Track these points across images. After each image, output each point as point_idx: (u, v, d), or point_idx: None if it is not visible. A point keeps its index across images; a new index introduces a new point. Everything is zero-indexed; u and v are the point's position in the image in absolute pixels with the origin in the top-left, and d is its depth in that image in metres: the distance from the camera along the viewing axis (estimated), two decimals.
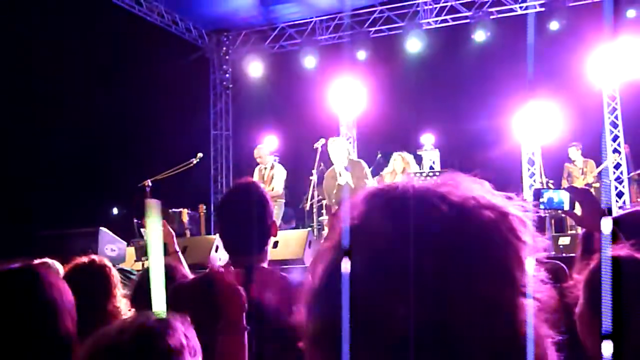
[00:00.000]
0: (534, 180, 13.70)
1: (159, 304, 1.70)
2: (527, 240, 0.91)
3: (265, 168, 10.99)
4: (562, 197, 2.49)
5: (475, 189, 0.94)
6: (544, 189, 2.55)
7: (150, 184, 10.46)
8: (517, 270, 0.89)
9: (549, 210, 4.15)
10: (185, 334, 1.59)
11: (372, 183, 9.11)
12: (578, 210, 2.63)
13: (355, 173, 8.81)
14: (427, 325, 0.84)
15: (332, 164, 9.30)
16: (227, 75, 16.80)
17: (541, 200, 2.51)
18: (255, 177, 10.97)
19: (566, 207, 2.49)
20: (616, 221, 2.55)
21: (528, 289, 0.89)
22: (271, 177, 10.84)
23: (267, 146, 11.43)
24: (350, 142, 9.21)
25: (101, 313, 3.01)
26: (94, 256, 3.36)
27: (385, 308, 0.85)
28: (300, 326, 0.95)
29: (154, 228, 1.71)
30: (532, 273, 0.91)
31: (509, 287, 0.88)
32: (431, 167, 13.49)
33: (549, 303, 0.92)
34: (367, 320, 0.86)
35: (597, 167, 12.02)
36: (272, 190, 10.51)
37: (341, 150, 9.06)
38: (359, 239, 0.90)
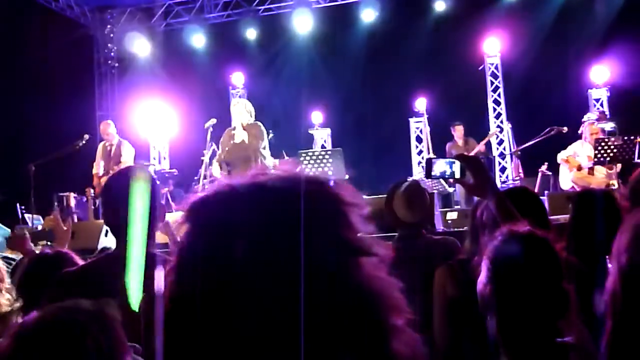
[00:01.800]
0: (422, 157, 14.04)
1: (135, 288, 1.62)
2: (350, 201, 0.96)
3: (112, 145, 10.82)
4: (454, 166, 2.54)
5: (292, 170, 0.99)
6: (435, 158, 2.60)
7: (34, 167, 10.09)
8: (348, 232, 0.93)
9: (440, 180, 4.28)
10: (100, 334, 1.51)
11: (265, 146, 9.09)
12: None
13: (252, 132, 8.84)
14: (275, 300, 0.87)
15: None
16: (112, 54, 16.32)
17: (433, 170, 2.55)
18: (99, 154, 10.82)
19: (457, 175, 2.54)
20: (507, 195, 2.63)
21: (362, 247, 0.93)
22: (119, 153, 10.69)
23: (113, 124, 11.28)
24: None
25: None
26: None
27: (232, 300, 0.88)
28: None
29: (140, 194, 1.59)
30: (365, 230, 0.95)
31: (343, 249, 0.91)
32: (322, 146, 13.60)
33: (387, 256, 0.96)
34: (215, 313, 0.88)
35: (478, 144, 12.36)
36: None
37: (243, 110, 9.03)
38: (197, 248, 0.92)
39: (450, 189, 10.81)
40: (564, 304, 1.93)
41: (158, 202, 2.85)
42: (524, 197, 2.99)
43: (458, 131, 12.23)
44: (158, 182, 2.94)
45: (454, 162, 2.54)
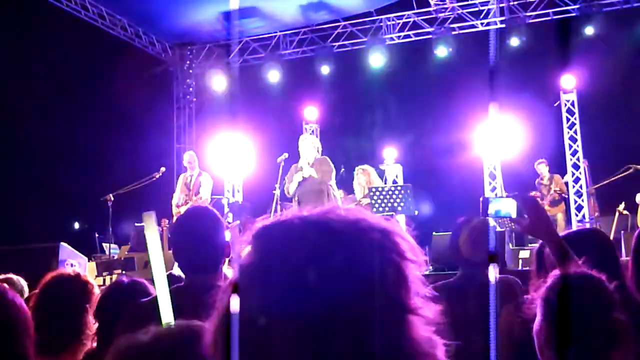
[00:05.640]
0: (495, 195, 13.86)
1: (167, 316, 1.69)
2: (411, 257, 0.96)
3: (192, 175, 10.94)
4: (510, 205, 2.54)
5: (359, 214, 0.98)
6: (491, 198, 2.60)
7: (112, 198, 10.38)
8: (402, 287, 0.93)
9: (498, 219, 4.23)
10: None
11: (334, 182, 9.22)
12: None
13: (322, 168, 8.96)
14: (319, 344, 0.87)
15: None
16: (191, 88, 16.76)
17: (489, 209, 2.56)
18: (180, 185, 10.96)
19: (513, 215, 2.54)
20: (565, 238, 2.61)
21: (412, 304, 0.93)
22: (198, 184, 10.80)
23: (196, 155, 11.40)
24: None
25: (76, 326, 3.02)
26: (78, 270, 3.39)
27: (278, 329, 0.88)
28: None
29: (152, 239, 1.72)
30: (418, 289, 0.95)
31: (394, 304, 0.92)
32: (394, 182, 13.57)
33: (434, 316, 0.96)
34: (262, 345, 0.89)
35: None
36: (201, 199, 10.50)
37: (310, 146, 9.17)
38: (255, 273, 0.94)
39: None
40: (617, 337, 1.91)
41: (222, 238, 2.98)
42: (593, 238, 2.95)
43: (544, 168, 12.11)
44: (227, 218, 3.09)
45: (509, 202, 2.54)
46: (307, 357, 0.87)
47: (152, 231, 1.77)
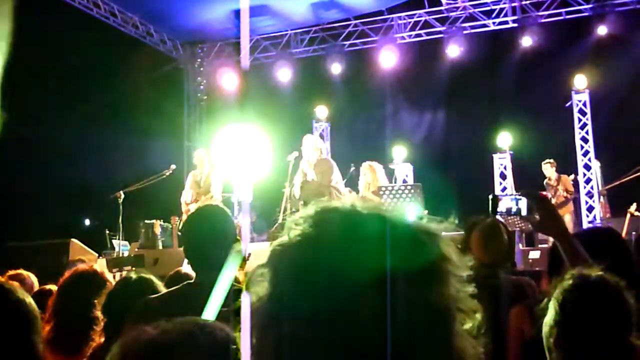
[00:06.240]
0: (506, 194, 13.77)
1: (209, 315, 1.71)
2: (454, 259, 0.97)
3: (202, 173, 10.86)
4: (520, 203, 2.52)
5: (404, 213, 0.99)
6: (501, 195, 2.59)
7: (122, 195, 10.39)
8: (447, 285, 0.95)
9: (507, 217, 4.22)
10: None
11: (337, 180, 9.22)
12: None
13: (321, 169, 8.97)
14: (371, 334, 0.87)
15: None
16: (201, 86, 16.79)
17: (499, 207, 2.54)
18: (190, 182, 10.92)
19: (523, 212, 2.52)
20: (578, 237, 2.59)
21: (456, 302, 0.95)
22: (209, 182, 10.74)
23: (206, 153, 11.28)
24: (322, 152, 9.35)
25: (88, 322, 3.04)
26: (95, 265, 3.41)
27: (339, 315, 0.88)
28: None
29: (230, 270, 1.76)
30: (460, 288, 0.96)
31: (443, 300, 0.93)
32: (404, 181, 13.56)
33: (473, 315, 0.98)
34: (325, 328, 0.89)
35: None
36: (211, 197, 10.46)
37: (311, 148, 9.19)
38: (310, 253, 0.93)
39: None
40: (629, 353, 1.89)
41: (232, 236, 3.00)
42: (608, 237, 2.93)
43: (550, 169, 12.07)
44: (237, 216, 3.10)
45: (520, 199, 2.52)
46: (357, 348, 0.88)
47: (235, 260, 1.80)
